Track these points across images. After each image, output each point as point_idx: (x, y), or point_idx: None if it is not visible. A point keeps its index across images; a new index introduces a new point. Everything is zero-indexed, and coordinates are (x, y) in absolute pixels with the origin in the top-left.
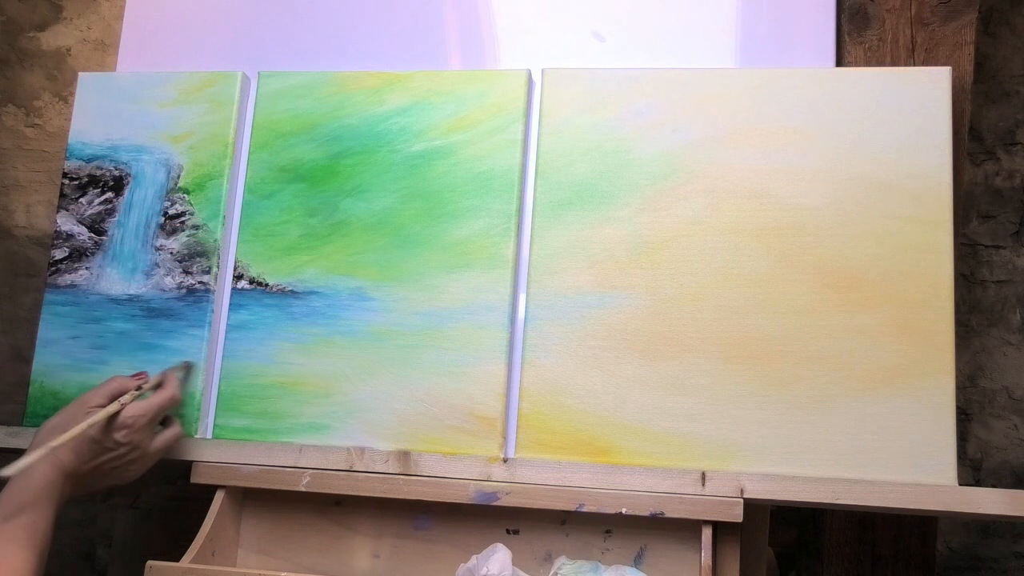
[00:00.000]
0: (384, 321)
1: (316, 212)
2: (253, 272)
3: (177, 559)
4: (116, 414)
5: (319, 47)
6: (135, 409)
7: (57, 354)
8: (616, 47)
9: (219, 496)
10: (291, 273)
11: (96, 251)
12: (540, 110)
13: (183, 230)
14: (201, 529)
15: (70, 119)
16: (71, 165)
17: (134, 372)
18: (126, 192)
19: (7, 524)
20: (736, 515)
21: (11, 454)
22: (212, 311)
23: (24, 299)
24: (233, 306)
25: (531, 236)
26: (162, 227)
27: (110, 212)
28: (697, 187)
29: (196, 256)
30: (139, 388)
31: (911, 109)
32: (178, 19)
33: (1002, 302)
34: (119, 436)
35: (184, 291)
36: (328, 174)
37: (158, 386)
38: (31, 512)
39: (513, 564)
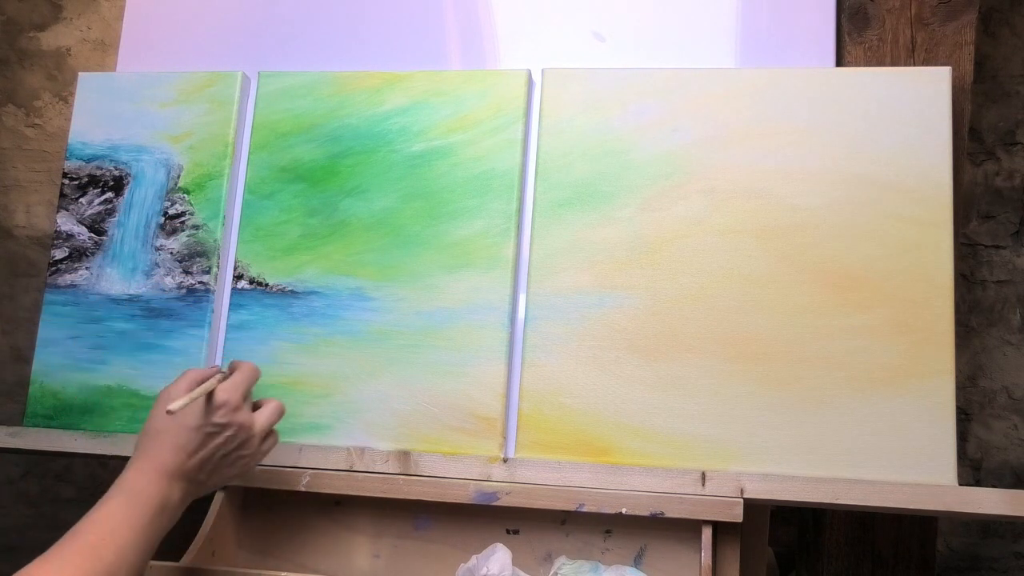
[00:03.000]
0: (384, 321)
1: (316, 212)
2: (253, 272)
3: (177, 559)
4: (211, 393)
5: (319, 47)
6: (226, 387)
7: (57, 354)
8: (616, 47)
9: (219, 496)
10: (291, 273)
11: (96, 251)
12: (540, 110)
13: (183, 230)
14: (201, 529)
15: (70, 119)
16: (71, 165)
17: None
18: (126, 192)
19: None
20: (736, 515)
21: (11, 454)
22: (212, 311)
23: (24, 299)
24: (233, 306)
25: (531, 236)
26: (162, 227)
27: (110, 212)
28: (697, 187)
29: (196, 256)
30: (221, 372)
31: (911, 109)
32: (178, 19)
33: (1002, 302)
34: (218, 417)
35: (184, 291)
36: (328, 174)
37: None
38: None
39: (513, 564)
